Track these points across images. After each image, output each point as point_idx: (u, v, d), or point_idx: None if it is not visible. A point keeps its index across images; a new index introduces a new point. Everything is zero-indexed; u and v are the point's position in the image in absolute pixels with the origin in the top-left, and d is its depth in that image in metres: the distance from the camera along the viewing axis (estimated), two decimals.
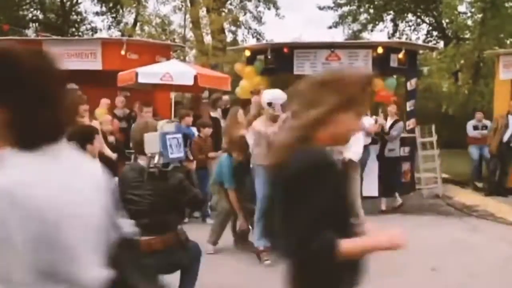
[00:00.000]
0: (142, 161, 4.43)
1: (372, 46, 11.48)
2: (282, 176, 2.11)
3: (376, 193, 10.67)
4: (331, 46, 11.35)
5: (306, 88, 2.20)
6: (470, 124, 13.11)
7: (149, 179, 4.28)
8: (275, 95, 6.84)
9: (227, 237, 7.44)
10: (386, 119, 10.43)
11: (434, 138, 11.73)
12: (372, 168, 10.20)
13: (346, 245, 2.01)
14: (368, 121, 10.06)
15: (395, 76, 12.23)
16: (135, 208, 4.28)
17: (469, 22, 20.93)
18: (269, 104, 6.74)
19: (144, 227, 4.26)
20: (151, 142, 4.28)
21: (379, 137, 10.13)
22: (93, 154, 4.69)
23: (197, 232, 7.36)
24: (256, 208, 6.83)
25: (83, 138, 4.63)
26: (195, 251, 4.70)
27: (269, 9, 27.69)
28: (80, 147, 4.55)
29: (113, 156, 7.98)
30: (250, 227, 7.25)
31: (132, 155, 9.13)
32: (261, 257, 6.74)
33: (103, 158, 6.55)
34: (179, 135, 4.56)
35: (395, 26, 28.18)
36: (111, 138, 9.11)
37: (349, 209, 2.27)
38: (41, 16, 29.35)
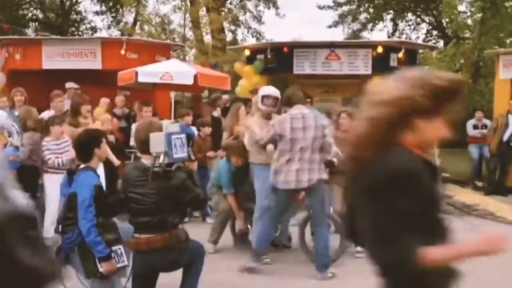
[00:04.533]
0: (145, 160, 4.46)
1: (372, 45, 11.48)
2: (370, 175, 2.08)
3: None
4: (331, 46, 11.36)
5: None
6: (470, 123, 13.10)
7: (153, 178, 4.30)
8: (268, 90, 6.83)
9: (227, 237, 7.43)
10: None
11: None
12: None
13: (434, 252, 1.97)
14: None
15: None
16: (137, 207, 4.35)
17: (469, 22, 20.91)
18: (262, 99, 6.74)
19: (144, 225, 4.33)
20: (156, 142, 4.31)
21: None
22: (100, 158, 4.69)
23: (197, 231, 7.37)
24: (255, 207, 6.81)
25: (91, 142, 4.62)
26: (197, 250, 4.68)
27: (268, 8, 27.67)
28: (88, 151, 4.56)
29: (116, 162, 7.88)
30: (249, 226, 7.24)
31: (131, 154, 9.15)
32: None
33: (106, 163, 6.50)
34: (183, 135, 4.54)
35: (395, 25, 28.17)
36: (111, 138, 9.09)
37: (440, 216, 2.19)
38: (40, 16, 29.33)
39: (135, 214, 4.42)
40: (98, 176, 4.58)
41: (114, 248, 4.42)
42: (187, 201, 4.46)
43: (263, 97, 6.74)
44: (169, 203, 4.31)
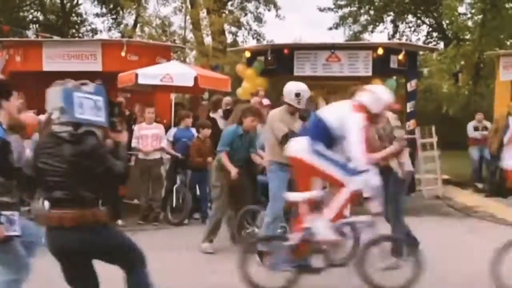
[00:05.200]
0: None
1: (372, 47, 11.48)
2: None
3: None
4: (331, 47, 11.36)
5: None
6: (470, 125, 13.10)
7: (57, 144, 3.69)
8: (304, 87, 6.60)
9: (226, 237, 7.42)
10: None
11: (434, 139, 11.73)
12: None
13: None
14: None
15: (395, 77, 12.22)
16: (49, 179, 3.73)
17: (469, 23, 20.95)
18: (297, 95, 6.49)
19: (58, 200, 3.67)
20: (52, 97, 3.69)
21: None
22: (9, 111, 4.21)
23: (197, 233, 7.37)
24: (268, 208, 6.55)
25: None
26: (128, 242, 3.98)
27: (269, 10, 27.70)
28: None
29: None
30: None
31: (131, 156, 9.14)
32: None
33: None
34: (100, 98, 3.81)
35: (395, 27, 28.23)
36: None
37: None
38: (41, 17, 29.37)
39: (48, 188, 3.76)
40: (3, 130, 4.08)
41: (5, 213, 3.99)
42: (100, 172, 3.76)
43: (300, 92, 6.50)
44: (81, 173, 3.68)
